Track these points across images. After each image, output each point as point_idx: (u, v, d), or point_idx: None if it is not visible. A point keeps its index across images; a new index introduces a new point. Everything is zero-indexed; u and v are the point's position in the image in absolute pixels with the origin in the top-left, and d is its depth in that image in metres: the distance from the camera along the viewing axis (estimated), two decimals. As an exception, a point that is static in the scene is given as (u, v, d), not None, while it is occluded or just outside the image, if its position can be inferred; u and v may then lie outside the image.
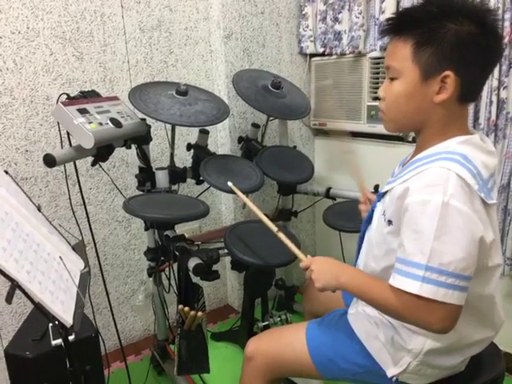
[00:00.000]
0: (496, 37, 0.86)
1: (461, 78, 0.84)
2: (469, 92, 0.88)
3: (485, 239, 0.82)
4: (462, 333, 0.91)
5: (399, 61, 0.88)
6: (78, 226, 1.54)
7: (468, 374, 1.01)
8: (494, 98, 1.54)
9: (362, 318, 1.03)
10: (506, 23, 1.47)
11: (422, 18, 0.85)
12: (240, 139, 1.96)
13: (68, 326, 0.86)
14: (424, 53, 0.85)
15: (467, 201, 0.79)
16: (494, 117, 1.56)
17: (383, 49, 1.86)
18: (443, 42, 0.83)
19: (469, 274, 0.81)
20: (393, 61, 0.90)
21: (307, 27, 2.15)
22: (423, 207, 0.80)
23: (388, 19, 0.92)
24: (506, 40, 1.48)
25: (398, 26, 0.89)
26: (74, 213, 1.52)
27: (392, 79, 0.91)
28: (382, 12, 1.81)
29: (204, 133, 1.71)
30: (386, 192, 0.96)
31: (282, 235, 1.09)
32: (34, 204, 1.03)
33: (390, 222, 0.91)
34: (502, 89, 1.53)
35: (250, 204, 1.20)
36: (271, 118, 1.96)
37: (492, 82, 1.52)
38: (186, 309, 1.27)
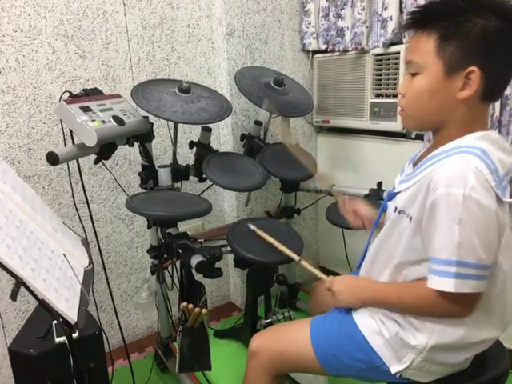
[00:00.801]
0: None
1: (486, 74, 0.83)
2: (493, 89, 0.87)
3: (501, 233, 0.84)
4: (469, 330, 0.92)
5: (422, 55, 0.87)
6: (82, 223, 1.55)
7: (472, 371, 1.00)
8: (498, 94, 1.53)
9: (366, 314, 1.03)
10: None
11: (448, 12, 0.84)
12: (242, 137, 1.95)
13: (72, 323, 0.86)
14: (449, 47, 0.84)
15: (487, 193, 0.80)
16: (497, 113, 1.55)
17: (386, 45, 1.85)
18: (469, 37, 0.82)
19: (491, 263, 0.84)
20: (415, 55, 0.89)
21: (309, 24, 2.15)
22: (446, 201, 0.81)
23: (412, 12, 0.90)
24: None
25: (422, 19, 0.88)
26: (77, 211, 1.52)
27: (413, 75, 0.90)
28: (385, 8, 1.80)
29: (206, 130, 1.71)
30: (398, 192, 0.96)
31: (304, 263, 1.21)
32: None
33: (410, 219, 0.90)
34: (505, 85, 1.53)
35: (273, 241, 1.32)
36: (274, 116, 1.96)
37: (496, 78, 1.52)
38: (190, 306, 1.27)
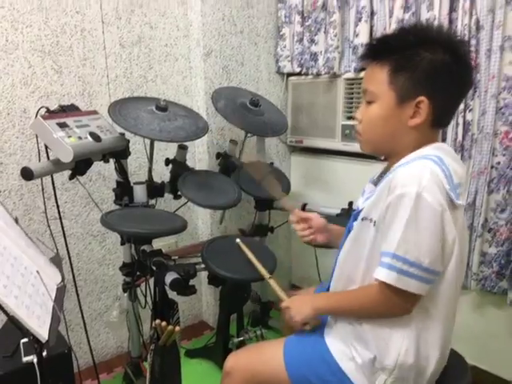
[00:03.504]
0: (468, 67, 0.93)
1: (434, 103, 0.90)
2: (441, 117, 0.94)
3: (448, 239, 0.87)
4: (419, 352, 0.95)
5: (376, 85, 0.94)
6: (54, 240, 1.52)
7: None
8: (461, 120, 1.62)
9: (338, 339, 1.05)
10: (472, 49, 1.55)
11: (399, 46, 0.91)
12: (218, 155, 1.98)
13: (43, 341, 0.85)
14: (400, 78, 0.90)
15: (439, 196, 0.84)
16: (460, 138, 1.64)
17: (357, 70, 1.93)
18: (418, 69, 0.89)
19: (432, 267, 0.86)
20: (370, 85, 0.95)
21: (285, 47, 2.22)
22: (400, 201, 0.85)
23: (366, 45, 0.98)
24: (471, 66, 1.57)
25: (376, 51, 0.95)
26: (49, 227, 1.50)
27: (369, 102, 0.96)
28: (356, 35, 1.89)
29: (183, 148, 1.72)
30: (362, 209, 1.00)
31: (272, 282, 1.22)
32: (11, 216, 1.02)
33: (374, 223, 0.94)
34: (467, 111, 1.62)
35: (252, 258, 1.34)
36: (249, 135, 2.00)
37: (459, 105, 1.61)
38: (163, 323, 1.27)
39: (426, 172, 0.85)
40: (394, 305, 0.90)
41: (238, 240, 1.43)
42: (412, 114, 0.91)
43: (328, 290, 1.12)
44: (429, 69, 0.88)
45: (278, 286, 1.19)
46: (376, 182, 1.02)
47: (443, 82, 0.89)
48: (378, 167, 1.07)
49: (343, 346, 1.03)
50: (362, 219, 0.98)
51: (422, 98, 0.89)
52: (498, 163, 1.58)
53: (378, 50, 0.94)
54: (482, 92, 1.58)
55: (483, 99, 1.57)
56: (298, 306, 1.06)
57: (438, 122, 0.95)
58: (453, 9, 1.61)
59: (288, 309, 1.06)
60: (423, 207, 0.84)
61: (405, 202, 0.85)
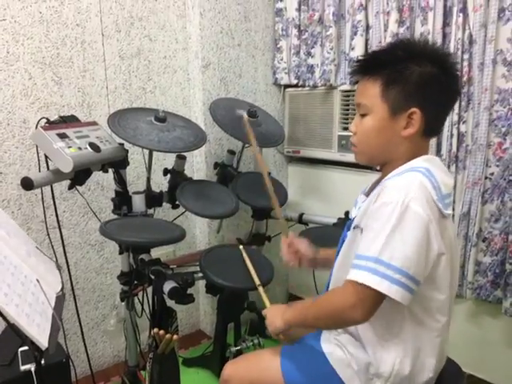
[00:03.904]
0: (455, 77, 0.97)
1: (425, 114, 0.93)
2: (433, 126, 0.98)
3: (433, 249, 0.88)
4: (418, 352, 0.96)
5: (369, 98, 0.97)
6: (53, 249, 1.53)
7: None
8: (455, 132, 1.65)
9: (335, 345, 1.06)
10: (465, 63, 1.59)
11: (389, 60, 0.95)
12: (216, 165, 2.00)
13: (43, 348, 0.86)
14: (392, 91, 0.93)
15: (426, 207, 0.86)
16: (454, 149, 1.67)
17: (353, 83, 1.94)
18: (409, 82, 0.92)
19: (416, 277, 0.86)
20: (363, 98, 0.98)
21: (282, 60, 2.25)
22: (385, 207, 0.87)
23: (357, 61, 1.01)
24: (464, 78, 1.60)
25: (367, 67, 0.98)
26: (48, 236, 1.51)
27: (363, 115, 0.99)
28: (352, 49, 1.93)
29: (181, 158, 1.74)
30: (353, 220, 1.03)
31: (260, 289, 1.25)
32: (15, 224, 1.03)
33: (361, 230, 0.96)
34: (461, 123, 1.65)
35: (248, 263, 1.37)
36: (247, 145, 2.02)
37: (453, 116, 1.64)
38: (161, 332, 1.27)
39: (414, 183, 0.88)
40: (365, 308, 0.88)
41: (241, 247, 1.47)
42: (405, 125, 0.94)
43: None
44: (419, 81, 0.91)
45: (264, 295, 1.22)
46: (368, 193, 1.05)
47: (433, 92, 0.93)
48: (374, 177, 1.10)
49: (340, 353, 1.04)
50: (354, 228, 1.01)
51: (414, 109, 0.92)
52: (492, 174, 1.61)
53: (370, 66, 0.98)
54: (476, 104, 1.61)
55: (476, 111, 1.61)
56: (272, 315, 1.08)
57: (430, 131, 0.98)
58: (446, 23, 1.65)
59: (265, 318, 1.09)
60: (409, 216, 0.85)
61: (388, 208, 0.86)
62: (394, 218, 0.85)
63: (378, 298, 0.87)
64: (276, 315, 1.06)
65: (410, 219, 0.85)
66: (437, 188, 0.90)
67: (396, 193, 0.87)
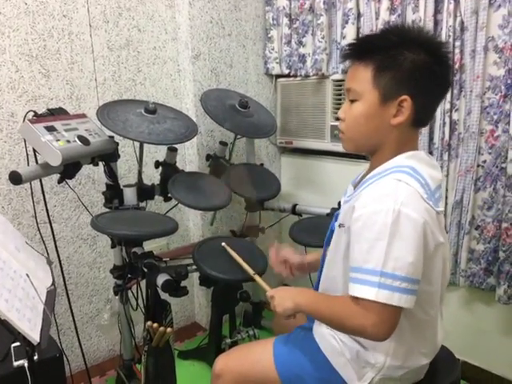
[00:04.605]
0: (448, 67, 0.95)
1: (416, 102, 0.91)
2: (422, 116, 0.96)
3: (429, 248, 0.88)
4: (408, 355, 0.97)
5: (360, 84, 0.94)
6: (44, 244, 1.52)
7: (426, 381, 1.06)
8: (447, 120, 1.65)
9: (327, 334, 1.06)
10: (457, 50, 1.59)
11: (383, 45, 0.92)
12: (208, 157, 1.99)
13: (35, 343, 0.85)
14: (383, 77, 0.91)
15: (417, 208, 0.85)
16: (447, 137, 1.67)
17: (345, 72, 1.95)
18: (401, 69, 0.90)
19: (417, 277, 0.86)
20: (353, 83, 0.96)
21: (273, 49, 2.23)
22: (375, 216, 0.85)
23: (350, 44, 0.98)
24: (456, 66, 1.59)
25: (360, 51, 0.96)
26: (39, 230, 1.50)
27: (352, 101, 0.97)
28: (344, 37, 1.91)
29: (172, 150, 1.73)
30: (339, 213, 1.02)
31: (257, 277, 1.21)
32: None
33: (346, 229, 0.96)
34: (453, 111, 1.64)
35: (238, 259, 1.34)
36: (239, 137, 2.01)
37: (445, 104, 1.63)
38: (155, 325, 1.27)
39: (400, 187, 0.86)
40: (386, 325, 0.86)
41: (223, 244, 1.43)
42: (395, 113, 0.92)
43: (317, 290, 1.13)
44: (412, 68, 0.89)
45: (262, 281, 1.18)
46: (356, 185, 1.04)
47: (425, 81, 0.91)
48: (367, 167, 1.09)
49: (333, 341, 1.04)
50: (339, 226, 1.00)
51: (405, 96, 0.90)
52: (484, 161, 1.61)
53: (362, 50, 0.95)
54: (468, 92, 1.60)
55: (468, 99, 1.60)
56: (282, 296, 1.02)
57: (419, 121, 0.96)
58: (437, 11, 1.64)
59: (272, 298, 1.03)
60: (404, 222, 0.84)
61: (380, 217, 0.85)
62: (388, 226, 0.84)
63: (392, 310, 0.85)
64: (286, 296, 1.01)
65: (405, 225, 0.84)
66: (425, 185, 0.89)
67: (383, 200, 0.86)
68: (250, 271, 1.26)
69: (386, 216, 0.84)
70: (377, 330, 0.86)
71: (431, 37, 0.96)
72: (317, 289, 1.14)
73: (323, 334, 1.07)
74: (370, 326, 0.86)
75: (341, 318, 0.92)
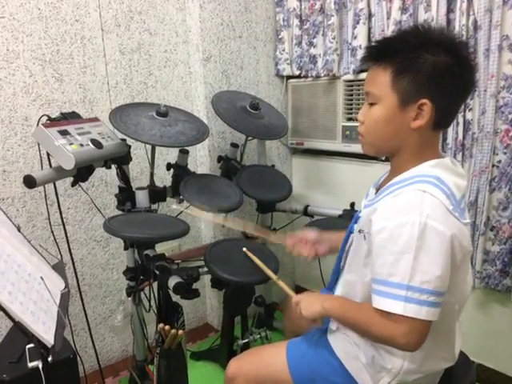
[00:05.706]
0: (470, 68, 0.92)
1: (436, 105, 0.89)
2: (443, 119, 0.93)
3: (461, 254, 0.87)
4: (427, 359, 0.95)
5: (379, 87, 0.93)
6: (58, 246, 1.54)
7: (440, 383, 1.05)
8: (461, 120, 1.62)
9: (342, 338, 1.05)
10: (470, 49, 1.57)
11: (401, 48, 0.90)
12: (219, 158, 1.99)
13: (49, 346, 0.86)
14: (402, 81, 0.89)
15: (443, 220, 0.83)
16: (460, 137, 1.64)
17: (356, 72, 1.94)
18: (421, 72, 0.88)
19: (443, 290, 0.85)
20: (372, 87, 0.94)
21: (283, 51, 2.23)
22: (401, 229, 0.84)
23: (368, 47, 0.97)
24: (469, 65, 1.57)
25: (378, 54, 0.94)
26: (53, 233, 1.51)
27: (371, 104, 0.95)
28: (355, 37, 1.90)
29: (184, 153, 1.73)
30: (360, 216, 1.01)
31: (281, 282, 1.21)
32: (13, 224, 1.03)
33: (365, 237, 0.95)
34: (467, 110, 1.62)
35: (260, 263, 1.35)
36: (250, 138, 2.01)
37: (458, 104, 1.61)
38: (167, 327, 1.27)
39: (425, 199, 0.84)
40: (415, 339, 0.85)
41: (244, 249, 1.44)
42: (414, 116, 0.90)
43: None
44: (431, 71, 0.87)
45: (286, 286, 1.18)
46: (378, 188, 1.02)
47: (446, 84, 0.88)
48: (379, 168, 1.08)
49: (347, 345, 1.03)
50: (359, 231, 0.99)
51: (424, 100, 0.88)
52: (499, 161, 1.59)
53: (381, 53, 0.93)
54: (482, 91, 1.58)
55: (483, 98, 1.58)
56: (309, 301, 1.02)
57: (440, 124, 0.94)
58: (450, 9, 1.62)
59: (298, 303, 1.03)
60: (431, 235, 0.82)
61: (405, 230, 0.83)
62: (414, 239, 0.82)
63: (420, 322, 0.84)
64: (313, 301, 1.01)
65: (432, 238, 0.82)
66: (450, 196, 0.87)
67: (409, 213, 0.84)
68: (274, 276, 1.26)
69: (411, 229, 0.82)
70: (406, 340, 0.85)
71: (452, 37, 0.92)
72: (330, 289, 1.13)
73: (338, 338, 1.06)
74: (399, 336, 0.85)
75: (369, 326, 0.91)
